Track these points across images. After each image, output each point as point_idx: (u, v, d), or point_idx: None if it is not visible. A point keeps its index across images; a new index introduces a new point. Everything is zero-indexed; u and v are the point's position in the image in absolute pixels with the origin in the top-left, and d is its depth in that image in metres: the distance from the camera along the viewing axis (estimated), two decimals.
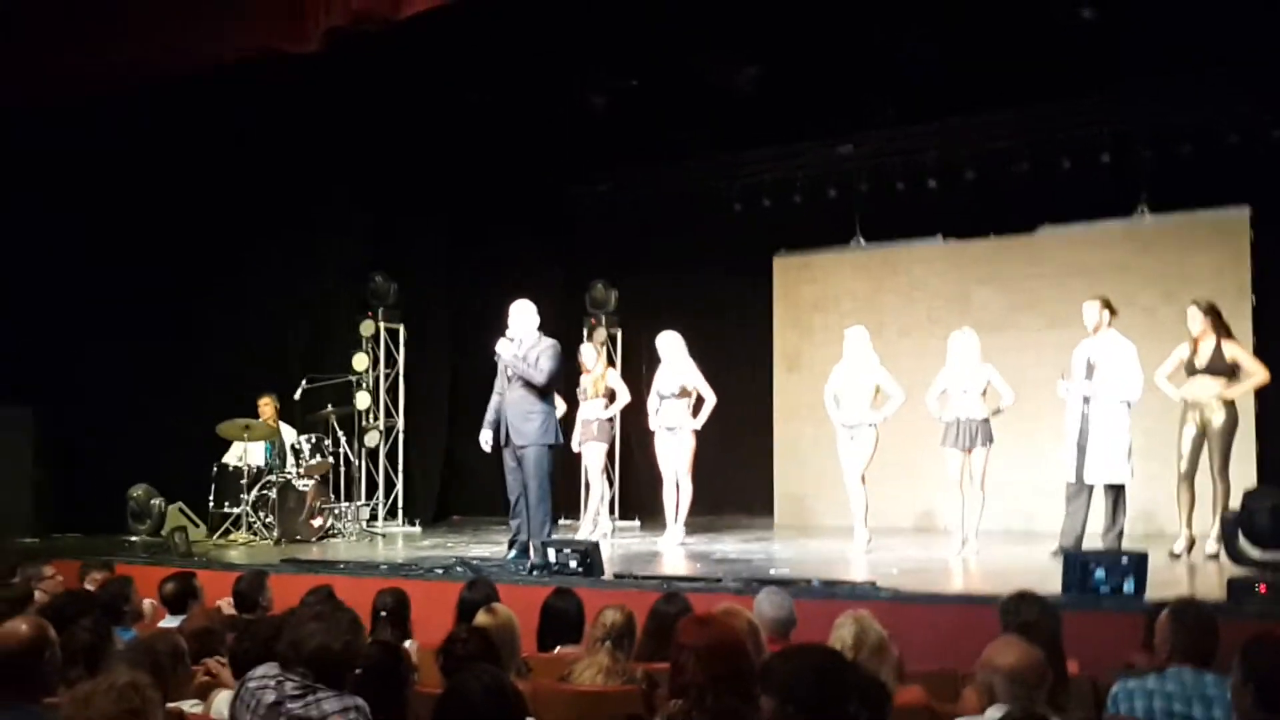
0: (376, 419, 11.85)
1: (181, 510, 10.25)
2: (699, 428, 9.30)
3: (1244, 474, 8.88)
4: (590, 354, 10.35)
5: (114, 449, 10.79)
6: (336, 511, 10.91)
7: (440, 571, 7.55)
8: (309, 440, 10.64)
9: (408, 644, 5.55)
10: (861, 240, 11.86)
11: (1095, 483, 7.97)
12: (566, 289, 12.26)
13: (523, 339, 7.87)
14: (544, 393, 7.72)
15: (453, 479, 12.77)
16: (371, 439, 11.78)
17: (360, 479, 11.71)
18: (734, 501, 12.09)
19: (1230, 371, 7.93)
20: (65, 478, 11.17)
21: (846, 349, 8.87)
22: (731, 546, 9.42)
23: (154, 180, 10.79)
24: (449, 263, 12.60)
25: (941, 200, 11.24)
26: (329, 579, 7.18)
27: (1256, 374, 7.96)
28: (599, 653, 4.51)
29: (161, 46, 9.03)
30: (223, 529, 10.29)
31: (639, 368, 11.61)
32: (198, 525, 10.27)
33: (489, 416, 8.04)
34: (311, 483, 10.46)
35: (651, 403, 9.50)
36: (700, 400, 9.35)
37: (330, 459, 10.89)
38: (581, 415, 10.09)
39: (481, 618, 4.75)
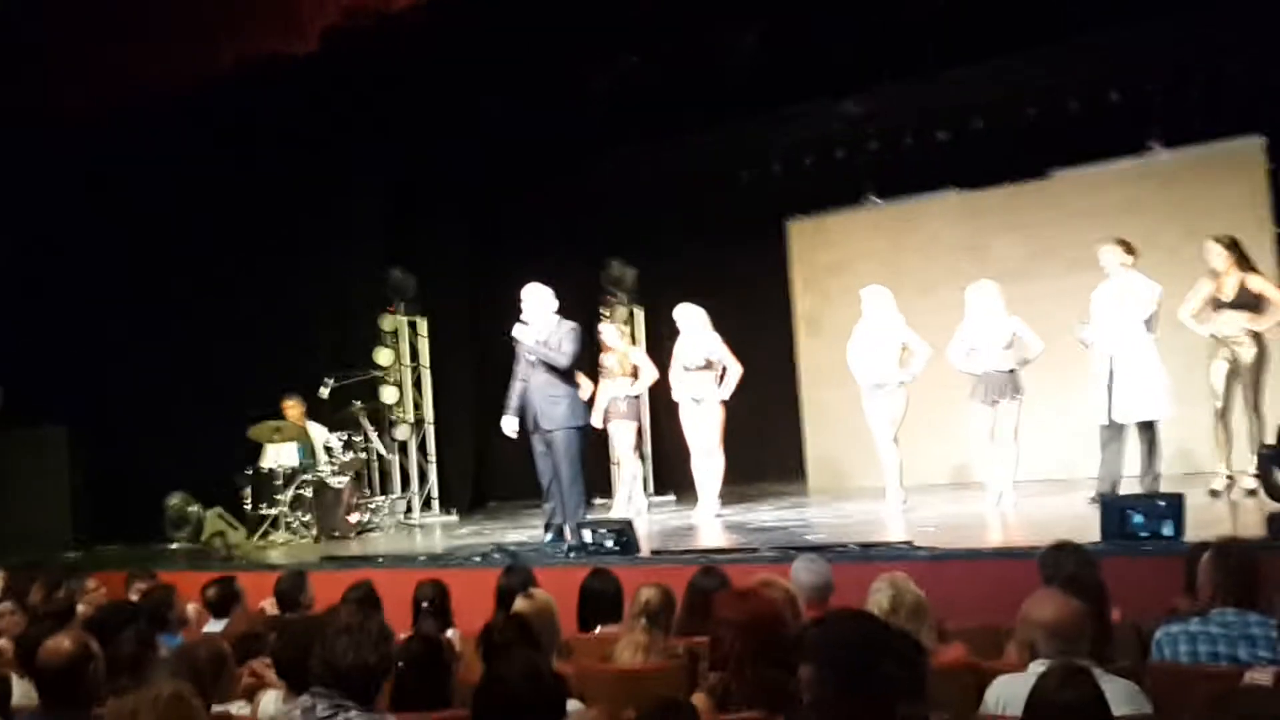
0: (405, 412, 11.90)
1: (220, 515, 10.34)
2: (726, 399, 9.27)
3: (1278, 406, 8.83)
4: (612, 333, 10.33)
5: (150, 459, 10.91)
6: (373, 506, 10.98)
7: (478, 559, 7.60)
8: (340, 438, 10.70)
9: (450, 633, 5.59)
10: (874, 198, 11.78)
11: (1131, 421, 7.88)
12: (583, 269, 12.22)
13: (540, 322, 7.85)
14: (567, 375, 7.73)
15: (486, 466, 12.82)
16: (401, 432, 11.85)
17: (394, 472, 11.77)
18: (766, 469, 12.09)
19: (1256, 305, 7.85)
20: (103, 491, 11.31)
21: (866, 308, 8.82)
22: (767, 515, 9.42)
23: (172, 193, 10.86)
24: (466, 253, 12.62)
25: (952, 151, 11.13)
26: (369, 573, 7.23)
27: None
28: (637, 631, 4.53)
29: (167, 61, 9.10)
30: (261, 530, 10.38)
31: (661, 344, 11.58)
32: (236, 528, 10.36)
33: (511, 402, 8.05)
34: (346, 479, 10.53)
35: (674, 375, 9.47)
36: (724, 371, 9.32)
37: (362, 454, 10.96)
38: (608, 394, 10.07)
39: (520, 603, 4.77)
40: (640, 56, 10.48)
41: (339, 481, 10.47)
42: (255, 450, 10.71)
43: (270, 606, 6.40)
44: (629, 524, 7.26)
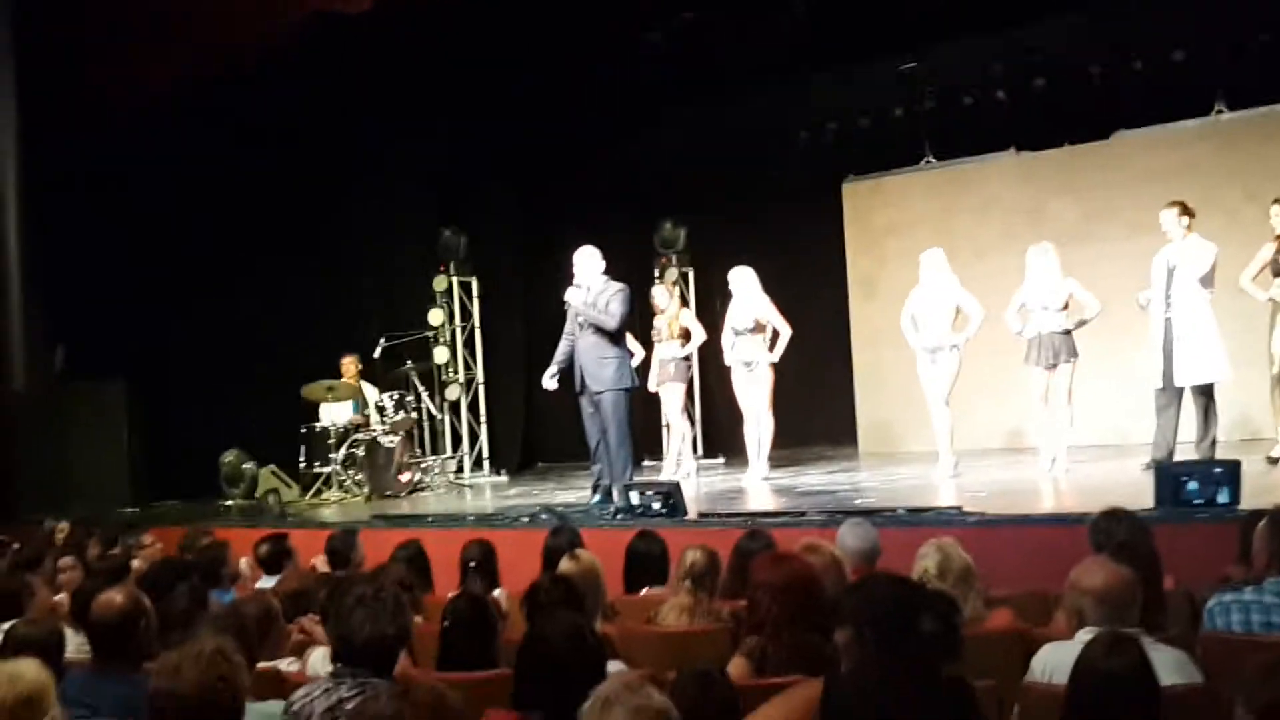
0: (456, 372, 11.96)
1: (274, 473, 10.46)
2: (776, 362, 9.22)
3: None
4: (663, 295, 10.29)
5: (205, 417, 11.08)
6: (424, 465, 11.06)
7: (525, 520, 7.63)
8: (392, 397, 10.79)
9: (497, 593, 5.62)
10: (931, 159, 11.62)
11: (1188, 384, 7.74)
12: (634, 231, 12.17)
13: (590, 284, 7.84)
14: (616, 337, 7.71)
15: (536, 427, 12.87)
16: (452, 392, 11.92)
17: (445, 432, 11.85)
18: (816, 432, 12.02)
19: None
20: (161, 448, 11.47)
21: (923, 272, 8.72)
22: (816, 479, 9.38)
23: (232, 155, 10.96)
24: (517, 213, 12.62)
25: (1011, 112, 10.94)
26: (417, 533, 7.29)
27: None
28: (682, 593, 4.52)
29: (224, 26, 9.17)
30: (314, 488, 10.49)
31: (712, 305, 11.54)
32: (290, 486, 10.49)
33: (558, 357, 8.05)
34: (398, 439, 10.61)
35: (726, 338, 9.42)
36: (775, 334, 9.27)
37: (414, 414, 11.03)
38: (658, 356, 10.05)
39: (565, 564, 4.77)
40: (696, 13, 10.36)
41: (391, 441, 10.55)
42: (311, 409, 10.82)
43: (321, 564, 6.46)
44: (676, 486, 7.26)
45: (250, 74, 10.41)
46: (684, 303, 11.00)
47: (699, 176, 12.25)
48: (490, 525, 7.65)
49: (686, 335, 10.09)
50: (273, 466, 10.51)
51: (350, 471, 10.48)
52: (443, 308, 11.91)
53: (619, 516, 7.25)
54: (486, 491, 11.03)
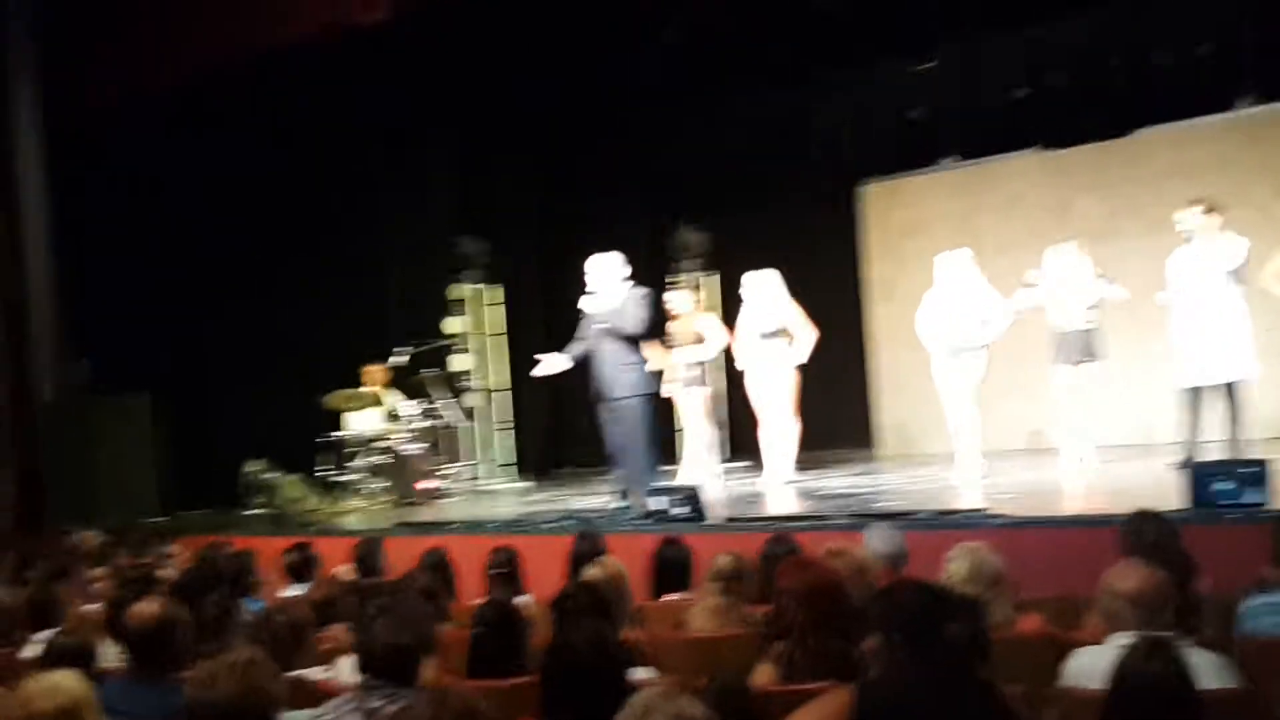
0: (479, 379, 11.98)
1: (297, 481, 10.48)
2: (802, 363, 9.18)
3: None
4: (680, 299, 10.24)
5: (231, 426, 11.11)
6: (446, 473, 11.07)
7: (549, 526, 7.62)
8: (415, 405, 10.80)
9: (523, 599, 5.62)
10: (953, 159, 11.56)
11: (1214, 383, 7.66)
12: (652, 235, 12.16)
13: (611, 290, 7.78)
14: (637, 343, 7.67)
15: (559, 433, 12.87)
16: (474, 400, 11.92)
17: (469, 439, 11.86)
18: (835, 435, 11.93)
19: None
20: (187, 458, 11.52)
21: (938, 274, 8.66)
22: (839, 481, 9.34)
23: (252, 166, 11.00)
24: (537, 220, 12.64)
25: (1033, 109, 10.88)
26: (441, 540, 7.30)
27: None
28: (711, 597, 4.51)
29: (245, 33, 9.25)
30: (338, 496, 10.52)
31: (733, 308, 11.50)
32: (313, 494, 10.50)
33: (572, 350, 7.97)
34: (420, 446, 10.63)
35: (743, 343, 9.38)
36: (792, 338, 9.23)
37: (437, 421, 11.05)
38: (675, 361, 10.01)
39: (592, 571, 4.77)
40: (714, 13, 10.34)
41: (414, 448, 10.57)
42: (335, 418, 10.85)
43: (347, 572, 6.48)
44: (697, 490, 7.23)
45: (273, 81, 10.45)
46: (702, 306, 10.94)
47: (717, 180, 12.22)
48: (514, 531, 7.65)
49: (702, 340, 10.04)
50: (296, 475, 10.52)
51: (373, 479, 10.50)
52: (463, 315, 11.93)
53: (641, 521, 7.23)
54: (509, 497, 11.03)
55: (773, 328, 9.15)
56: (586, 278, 7.80)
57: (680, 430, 10.54)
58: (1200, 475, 5.71)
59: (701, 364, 9.96)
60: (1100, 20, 10.38)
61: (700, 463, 9.97)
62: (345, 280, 11.53)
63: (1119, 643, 3.22)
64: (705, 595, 4.55)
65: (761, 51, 10.92)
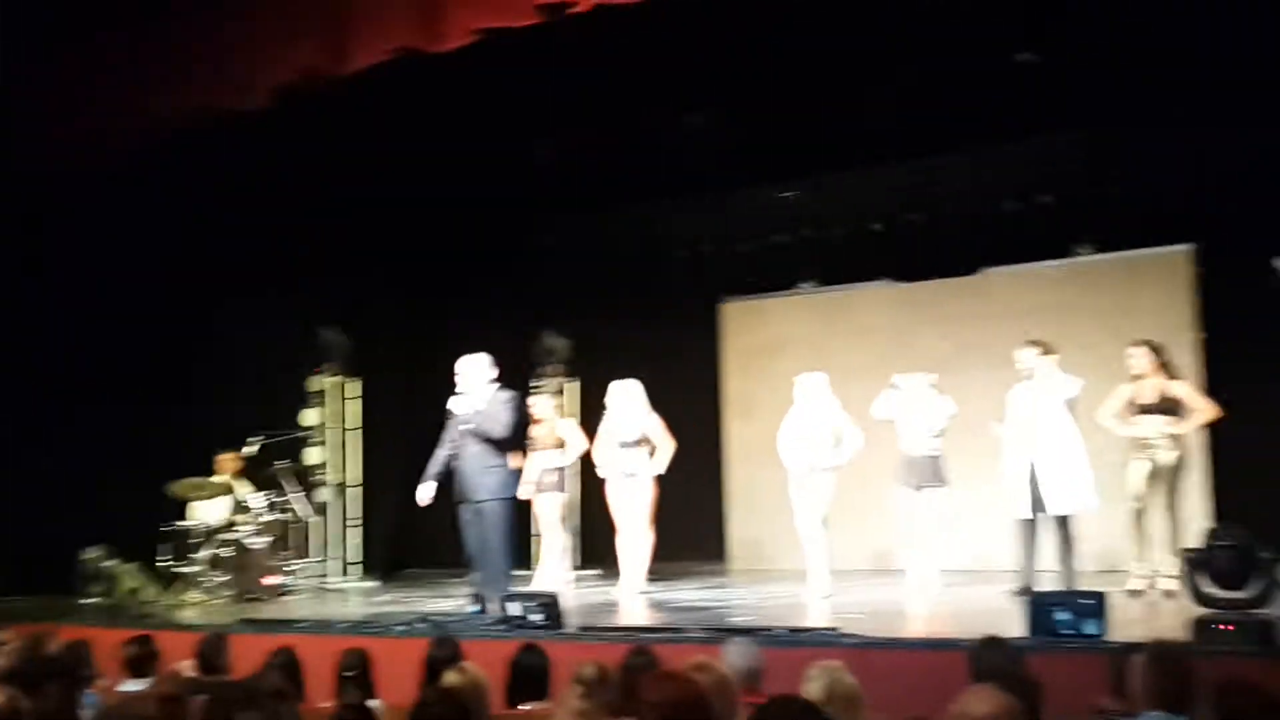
0: (331, 474, 11.77)
1: (136, 571, 10.09)
2: (661, 473, 9.31)
3: (1197, 511, 9.09)
4: (543, 403, 10.31)
5: (65, 510, 10.63)
6: (292, 569, 10.79)
7: (402, 628, 7.50)
8: (263, 497, 10.55)
9: (373, 703, 5.50)
10: (808, 285, 11.99)
11: (1051, 514, 8.03)
12: (516, 339, 12.22)
13: (477, 392, 7.80)
14: (502, 446, 7.69)
15: (408, 533, 12.69)
16: (325, 495, 11.69)
17: (319, 536, 11.60)
18: (687, 547, 12.05)
19: (1175, 409, 8.07)
20: (16, 540, 10.97)
21: (800, 394, 8.93)
22: (690, 594, 9.43)
23: (107, 244, 10.75)
24: (401, 317, 12.57)
25: (886, 243, 11.41)
26: (288, 638, 7.10)
27: (1203, 409, 8.11)
28: (573, 702, 4.48)
29: (116, 114, 9.07)
30: (177, 589, 10.15)
31: (593, 415, 11.59)
32: (152, 586, 10.11)
33: (432, 469, 7.94)
34: (266, 540, 10.36)
35: (604, 451, 9.47)
36: (654, 448, 9.37)
37: (284, 515, 10.80)
38: (536, 465, 10.04)
39: (451, 677, 4.71)
40: (585, 130, 10.61)
41: (259, 542, 10.29)
42: (181, 506, 10.51)
43: (188, 668, 6.24)
44: (556, 598, 7.22)
45: (140, 165, 10.28)
46: (562, 412, 11.02)
47: (582, 289, 12.42)
48: (364, 633, 7.49)
49: (563, 445, 10.12)
50: (135, 565, 10.13)
51: (215, 572, 10.17)
52: (320, 408, 11.75)
53: (497, 627, 7.17)
54: (356, 597, 10.80)
55: (634, 437, 9.28)
56: (456, 378, 7.78)
57: (536, 535, 10.51)
58: (1040, 604, 5.94)
59: (560, 469, 10.02)
60: (954, 164, 10.98)
61: (554, 568, 9.97)
62: (199, 368, 11.27)
63: None
64: (565, 703, 4.52)
65: (632, 169, 11.21)
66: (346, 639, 7.12)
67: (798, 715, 2.97)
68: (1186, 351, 9.82)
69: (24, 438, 10.88)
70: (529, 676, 5.31)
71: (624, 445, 9.30)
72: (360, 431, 12.15)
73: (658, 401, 9.80)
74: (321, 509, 11.72)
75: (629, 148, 10.86)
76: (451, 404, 7.80)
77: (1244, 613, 5.47)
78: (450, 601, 9.24)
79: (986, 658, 4.62)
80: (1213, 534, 5.86)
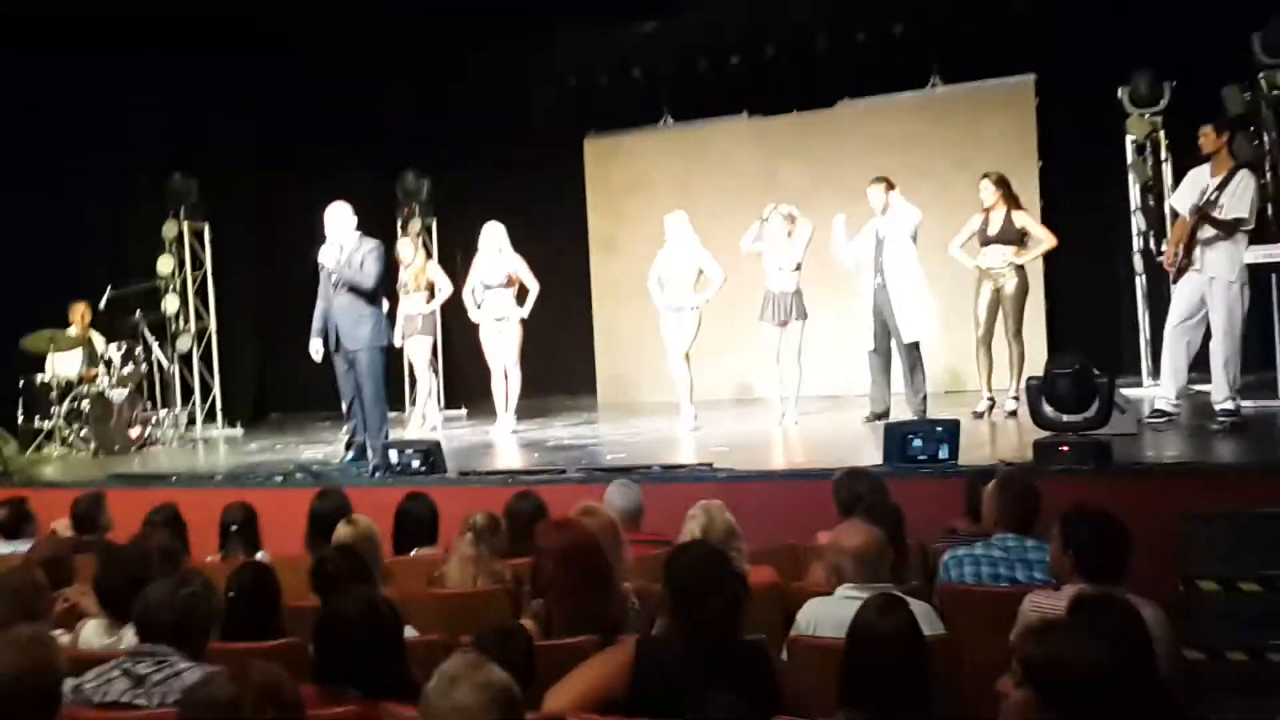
0: (187, 323, 11.54)
1: None
2: (525, 317, 9.41)
3: (1036, 335, 9.60)
4: (407, 247, 10.25)
5: None
6: (154, 419, 10.66)
7: (280, 479, 7.55)
8: (120, 348, 10.33)
9: (259, 555, 5.60)
10: (670, 120, 12.01)
11: (899, 341, 8.43)
12: (377, 180, 12.01)
13: (344, 242, 7.72)
14: (372, 296, 7.65)
15: (269, 378, 12.60)
16: (183, 343, 11.49)
17: (175, 384, 11.43)
18: (557, 384, 12.31)
19: (1020, 239, 8.46)
20: None
21: (668, 233, 9.06)
22: (563, 432, 9.66)
23: None
24: (252, 159, 12.17)
25: (745, 77, 11.45)
26: (163, 493, 7.11)
27: (1045, 240, 8.52)
28: (465, 549, 4.64)
29: None
30: (35, 444, 9.97)
31: (455, 257, 11.57)
32: (8, 442, 9.90)
33: (316, 324, 7.82)
34: (125, 391, 10.19)
35: (473, 293, 9.52)
36: (524, 289, 9.45)
37: (143, 366, 10.61)
38: (403, 310, 10.03)
39: (342, 530, 4.82)
40: None
41: (118, 394, 10.12)
42: (34, 362, 10.23)
43: (64, 528, 6.21)
44: (436, 445, 7.35)
45: None
46: (428, 255, 10.97)
47: (443, 126, 12.20)
48: (242, 485, 7.52)
49: (432, 288, 10.13)
50: None
51: (75, 426, 10.00)
52: (173, 255, 11.44)
53: (377, 474, 7.28)
54: (221, 446, 10.76)
55: (501, 279, 9.33)
56: (326, 230, 7.67)
57: (409, 379, 10.57)
58: (899, 434, 6.30)
59: (431, 313, 10.06)
60: None
61: (424, 409, 10.10)
62: (48, 216, 10.81)
63: (845, 594, 3.65)
64: (458, 549, 4.69)
65: (491, 3, 10.95)
66: (222, 491, 7.17)
67: (704, 559, 3.17)
68: (1032, 181, 10.22)
69: None
70: (416, 523, 5.46)
71: (488, 287, 9.35)
72: (214, 278, 11.87)
73: (525, 240, 9.84)
74: (181, 358, 11.52)
75: None
76: (320, 255, 7.71)
77: (1082, 435, 5.89)
78: (322, 448, 9.30)
79: (850, 487, 4.94)
80: (1053, 361, 6.25)
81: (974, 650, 3.46)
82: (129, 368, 10.37)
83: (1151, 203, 9.66)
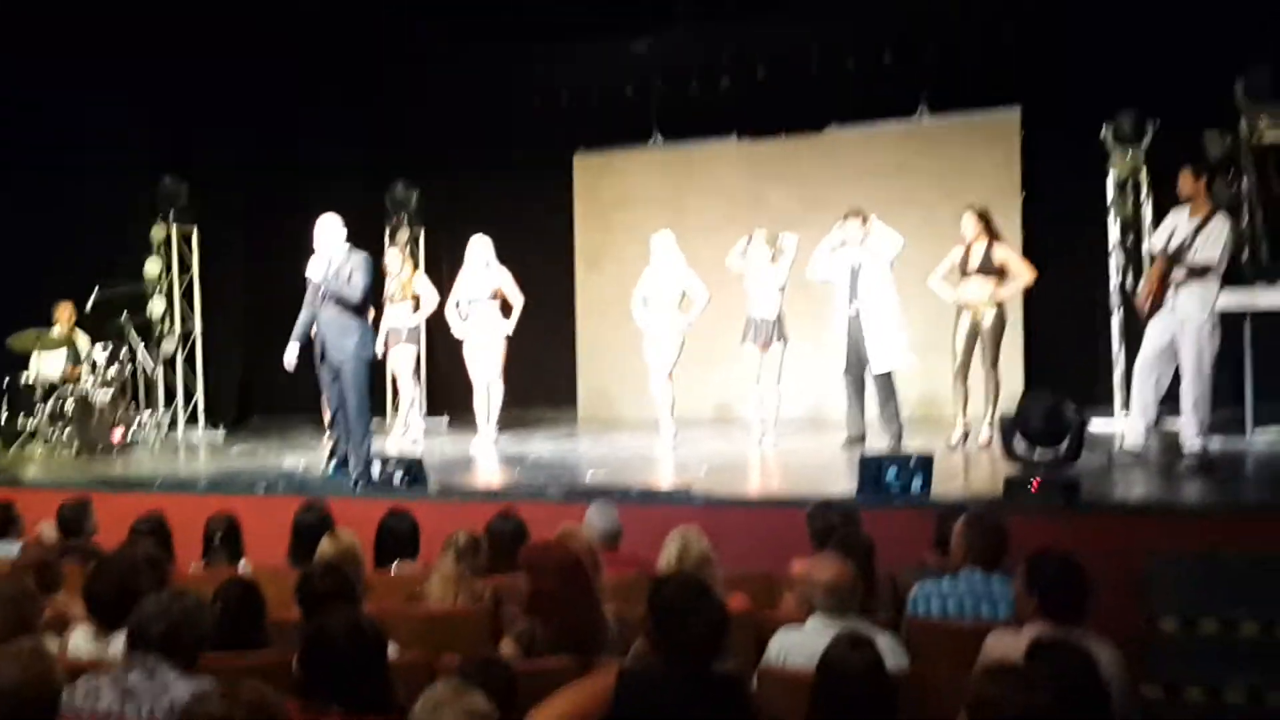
0: (172, 325, 11.60)
1: None
2: (510, 332, 9.52)
3: (1012, 369, 9.74)
4: (395, 257, 10.34)
5: None
6: (137, 421, 10.72)
7: (263, 487, 7.61)
8: (105, 349, 10.39)
9: (241, 565, 5.69)
10: (659, 138, 12.14)
11: (873, 371, 8.57)
12: (366, 190, 12.10)
13: (332, 255, 7.79)
14: (359, 308, 7.73)
15: (252, 381, 12.66)
16: (168, 345, 11.55)
17: (159, 387, 11.49)
18: (538, 396, 12.38)
19: (1000, 273, 8.59)
20: None
21: (654, 253, 9.18)
22: (543, 446, 9.76)
23: None
24: (242, 164, 12.25)
25: (735, 99, 11.58)
26: (146, 498, 7.19)
27: (1023, 275, 8.65)
28: (447, 568, 4.74)
29: None
30: (19, 442, 10.01)
31: (440, 267, 11.65)
32: None
33: (297, 331, 7.88)
34: (109, 392, 10.25)
35: (457, 307, 9.62)
36: (508, 304, 9.56)
37: (128, 367, 10.67)
38: (389, 320, 10.13)
39: (325, 545, 4.90)
40: None
41: (102, 395, 10.18)
42: (18, 361, 10.28)
43: (49, 531, 6.27)
44: (419, 461, 7.43)
45: None
46: (415, 265, 11.06)
47: (433, 138, 12.30)
48: (224, 492, 7.58)
49: (418, 300, 10.22)
50: None
51: (58, 426, 10.05)
52: (160, 257, 11.51)
53: (359, 486, 7.36)
54: (202, 450, 10.82)
55: (487, 293, 9.44)
56: (315, 241, 7.75)
57: (391, 386, 10.65)
58: (874, 464, 6.41)
59: (414, 324, 10.15)
60: (798, 22, 11.12)
61: (407, 418, 10.19)
62: (35, 216, 10.86)
63: (815, 625, 3.77)
64: (440, 567, 4.78)
65: (483, 17, 11.06)
66: (205, 498, 7.24)
67: (688, 588, 3.28)
68: (1015, 211, 10.37)
69: None
70: (397, 540, 5.54)
71: (472, 301, 9.46)
72: (201, 282, 11.94)
73: (511, 253, 9.95)
74: (166, 361, 11.58)
75: None
76: (309, 267, 7.78)
77: (1051, 471, 6.03)
78: (302, 454, 9.37)
79: (823, 518, 5.05)
80: (1026, 397, 6.38)
81: (940, 684, 3.57)
82: (113, 369, 10.42)
83: (1130, 241, 9.80)
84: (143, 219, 11.50)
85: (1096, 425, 7.30)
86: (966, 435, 8.65)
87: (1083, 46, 10.03)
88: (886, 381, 8.56)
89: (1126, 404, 8.97)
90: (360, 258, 7.83)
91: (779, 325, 8.94)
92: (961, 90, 10.87)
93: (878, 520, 5.61)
